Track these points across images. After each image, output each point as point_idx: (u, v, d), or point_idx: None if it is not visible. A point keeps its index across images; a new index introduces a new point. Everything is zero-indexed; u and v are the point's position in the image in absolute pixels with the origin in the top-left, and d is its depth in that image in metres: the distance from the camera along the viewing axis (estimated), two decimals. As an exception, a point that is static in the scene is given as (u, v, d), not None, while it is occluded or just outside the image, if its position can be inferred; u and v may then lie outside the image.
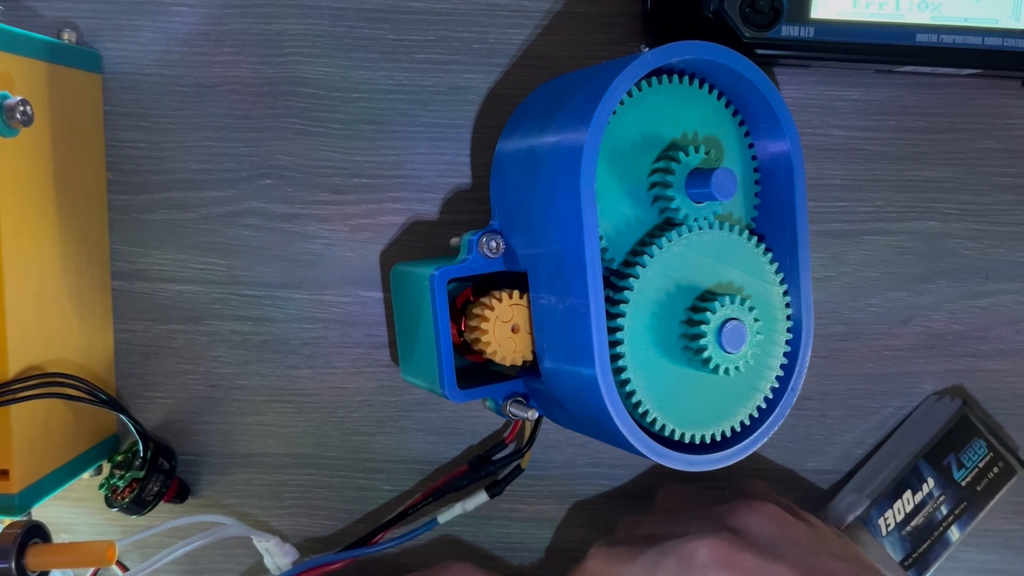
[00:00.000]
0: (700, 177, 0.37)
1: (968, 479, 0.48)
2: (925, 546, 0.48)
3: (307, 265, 0.47)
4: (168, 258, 0.47)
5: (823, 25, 0.42)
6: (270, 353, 0.47)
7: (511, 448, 0.48)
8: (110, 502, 0.45)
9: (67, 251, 0.43)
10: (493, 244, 0.41)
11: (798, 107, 0.48)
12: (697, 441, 0.39)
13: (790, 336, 0.41)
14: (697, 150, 0.38)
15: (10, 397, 0.38)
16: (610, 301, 0.37)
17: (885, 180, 0.49)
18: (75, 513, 0.48)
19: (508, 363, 0.40)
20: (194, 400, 0.48)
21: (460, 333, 0.42)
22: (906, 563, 0.47)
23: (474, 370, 0.43)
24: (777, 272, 0.40)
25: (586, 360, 0.36)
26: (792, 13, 0.42)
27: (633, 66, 0.36)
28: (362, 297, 0.47)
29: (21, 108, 0.37)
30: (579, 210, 0.35)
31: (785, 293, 0.40)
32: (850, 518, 0.48)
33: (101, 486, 0.46)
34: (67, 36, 0.44)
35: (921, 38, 0.43)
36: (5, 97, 0.37)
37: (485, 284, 0.43)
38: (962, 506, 0.48)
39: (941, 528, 0.48)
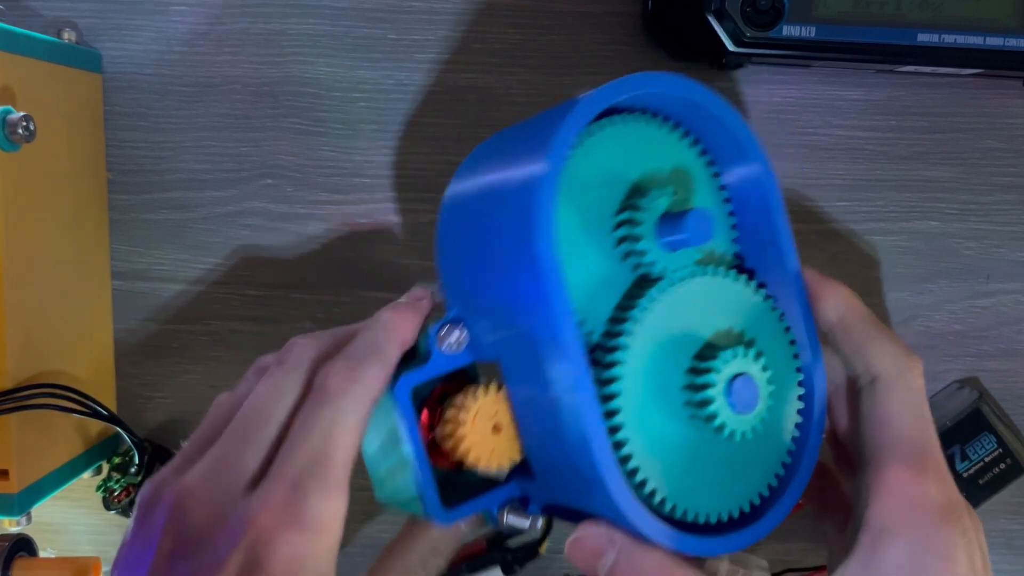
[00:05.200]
0: (672, 223, 0.32)
1: (971, 471, 0.48)
2: None
3: (307, 265, 0.47)
4: (168, 258, 0.47)
5: (824, 25, 0.42)
6: (270, 353, 0.47)
7: (528, 536, 0.44)
8: (108, 504, 0.45)
9: (67, 251, 0.43)
10: (453, 338, 0.34)
11: (799, 107, 0.48)
12: (724, 520, 0.33)
13: (801, 376, 0.35)
14: (662, 192, 0.33)
15: (11, 406, 0.38)
16: (599, 382, 0.31)
17: (886, 180, 0.49)
18: (75, 513, 0.48)
19: (495, 468, 0.33)
20: (194, 400, 0.48)
21: (433, 440, 0.35)
22: None
23: (457, 479, 0.36)
24: (775, 309, 0.35)
25: (585, 457, 0.30)
26: (793, 13, 0.42)
27: (570, 120, 0.31)
28: (362, 297, 0.47)
29: (23, 124, 0.37)
30: (541, 278, 0.30)
31: (787, 330, 0.35)
32: None
33: (98, 488, 0.46)
34: (67, 36, 0.44)
35: (922, 38, 0.43)
36: (8, 112, 0.37)
37: (457, 378, 0.36)
38: None
39: None
